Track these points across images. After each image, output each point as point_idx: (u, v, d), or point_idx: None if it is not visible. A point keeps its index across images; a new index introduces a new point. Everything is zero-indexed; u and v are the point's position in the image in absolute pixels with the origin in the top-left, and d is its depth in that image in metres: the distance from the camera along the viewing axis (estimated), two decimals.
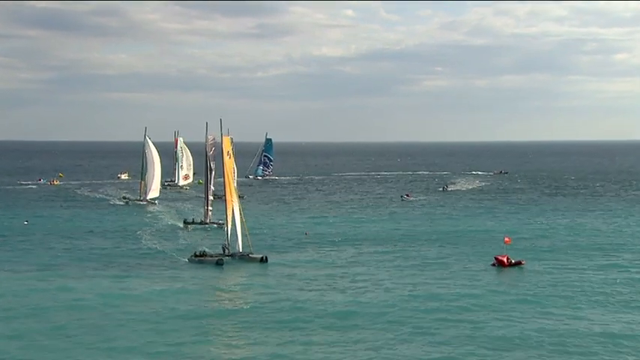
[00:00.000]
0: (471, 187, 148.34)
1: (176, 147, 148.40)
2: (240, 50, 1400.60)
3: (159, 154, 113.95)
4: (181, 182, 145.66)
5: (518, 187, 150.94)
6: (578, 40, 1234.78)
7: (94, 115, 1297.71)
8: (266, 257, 64.62)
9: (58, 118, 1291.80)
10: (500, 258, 61.51)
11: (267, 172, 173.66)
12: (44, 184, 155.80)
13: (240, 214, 65.96)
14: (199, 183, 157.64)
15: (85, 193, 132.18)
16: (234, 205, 66.14)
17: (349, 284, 54.27)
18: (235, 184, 72.39)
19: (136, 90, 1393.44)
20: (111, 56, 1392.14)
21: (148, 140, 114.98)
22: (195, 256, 65.50)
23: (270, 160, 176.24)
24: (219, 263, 63.51)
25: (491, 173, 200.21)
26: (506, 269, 60.14)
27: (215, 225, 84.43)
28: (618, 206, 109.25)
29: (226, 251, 66.07)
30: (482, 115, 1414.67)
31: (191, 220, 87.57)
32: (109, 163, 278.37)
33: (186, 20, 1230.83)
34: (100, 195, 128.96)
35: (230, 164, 68.53)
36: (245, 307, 48.05)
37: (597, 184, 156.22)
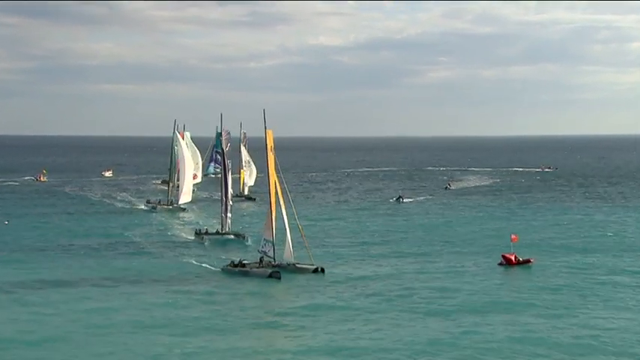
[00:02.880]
0: (472, 185, 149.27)
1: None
2: (233, 40, 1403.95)
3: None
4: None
5: (526, 184, 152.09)
6: (591, 28, 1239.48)
7: (80, 107, 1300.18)
8: (322, 268, 59.32)
9: (41, 111, 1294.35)
10: (507, 256, 62.76)
11: (218, 170, 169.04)
12: (31, 180, 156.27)
13: (296, 217, 61.92)
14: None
15: (74, 191, 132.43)
16: (281, 206, 60.97)
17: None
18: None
19: (124, 81, 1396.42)
20: (96, 45, 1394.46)
21: (179, 135, 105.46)
22: (234, 265, 60.19)
23: (220, 155, 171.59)
24: (274, 276, 57.51)
25: (538, 169, 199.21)
26: (514, 268, 61.40)
27: (232, 236, 76.35)
28: (638, 204, 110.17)
29: (263, 261, 60.86)
30: (488, 109, 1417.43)
31: (204, 231, 77.71)
32: (99, 159, 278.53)
33: (177, 7, 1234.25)
34: (87, 193, 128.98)
35: (272, 162, 62.29)
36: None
37: (613, 180, 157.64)
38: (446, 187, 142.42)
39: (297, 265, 59.98)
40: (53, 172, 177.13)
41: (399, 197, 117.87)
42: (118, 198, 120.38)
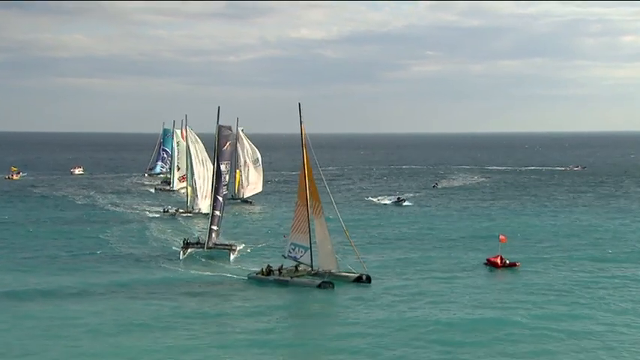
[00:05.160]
0: (459, 184, 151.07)
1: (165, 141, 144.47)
2: (210, 32, 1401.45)
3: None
4: (177, 185, 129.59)
5: (517, 183, 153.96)
6: (583, 21, 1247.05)
7: (48, 102, 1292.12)
8: (367, 277, 56.36)
9: (5, 107, 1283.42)
10: (492, 259, 64.55)
11: (164, 170, 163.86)
12: (2, 178, 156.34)
13: (340, 218, 59.61)
14: (166, 178, 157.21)
15: (52, 191, 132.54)
16: (316, 209, 57.77)
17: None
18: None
19: (95, 75, 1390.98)
20: (65, 37, 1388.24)
21: (191, 132, 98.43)
22: (266, 273, 56.65)
23: (169, 155, 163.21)
24: (325, 286, 53.92)
25: (567, 168, 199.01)
26: (500, 271, 63.03)
27: (223, 248, 68.76)
28: (633, 206, 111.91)
29: (298, 268, 57.63)
30: (477, 104, 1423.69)
31: (196, 241, 70.66)
32: (70, 156, 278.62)
33: None
34: (73, 196, 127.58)
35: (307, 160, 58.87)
36: None
37: (612, 180, 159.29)
38: (434, 186, 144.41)
39: (334, 273, 56.94)
40: (24, 170, 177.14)
41: (398, 199, 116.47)
42: (104, 201, 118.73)
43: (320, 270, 57.60)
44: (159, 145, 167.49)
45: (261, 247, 74.44)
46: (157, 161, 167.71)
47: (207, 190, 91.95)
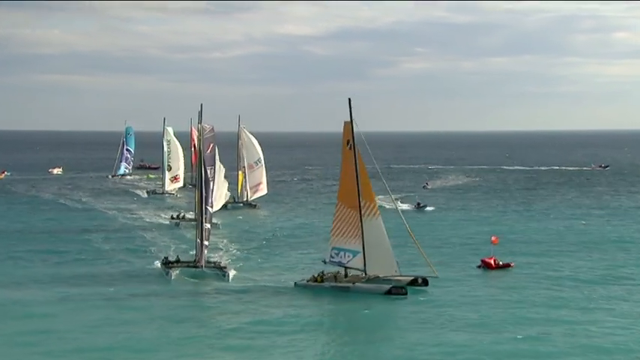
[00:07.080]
0: (451, 184, 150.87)
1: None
2: (194, 28, 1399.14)
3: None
4: (169, 187, 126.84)
5: (509, 183, 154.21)
6: (575, 17, 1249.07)
7: (26, 100, 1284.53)
8: (424, 279, 53.47)
9: None
10: (487, 260, 64.57)
11: (128, 170, 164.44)
12: None
13: (403, 219, 56.79)
14: (148, 177, 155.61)
15: (48, 194, 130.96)
16: (369, 210, 54.51)
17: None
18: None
19: (76, 72, 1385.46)
20: (42, 32, 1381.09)
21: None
22: (319, 280, 52.63)
23: (132, 155, 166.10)
24: (396, 292, 50.07)
25: (589, 168, 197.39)
26: (494, 272, 63.02)
27: (209, 270, 61.80)
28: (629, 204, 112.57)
29: (349, 273, 53.99)
30: (470, 102, 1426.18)
31: (175, 259, 63.78)
32: (51, 155, 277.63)
33: None
34: (67, 200, 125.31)
35: (350, 157, 56.04)
36: None
37: (602, 180, 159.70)
38: (424, 187, 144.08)
39: (385, 277, 53.47)
40: (7, 170, 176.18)
41: (418, 204, 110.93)
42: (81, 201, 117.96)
43: (372, 275, 53.93)
44: (122, 145, 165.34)
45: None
46: (120, 162, 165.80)
47: (218, 195, 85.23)
